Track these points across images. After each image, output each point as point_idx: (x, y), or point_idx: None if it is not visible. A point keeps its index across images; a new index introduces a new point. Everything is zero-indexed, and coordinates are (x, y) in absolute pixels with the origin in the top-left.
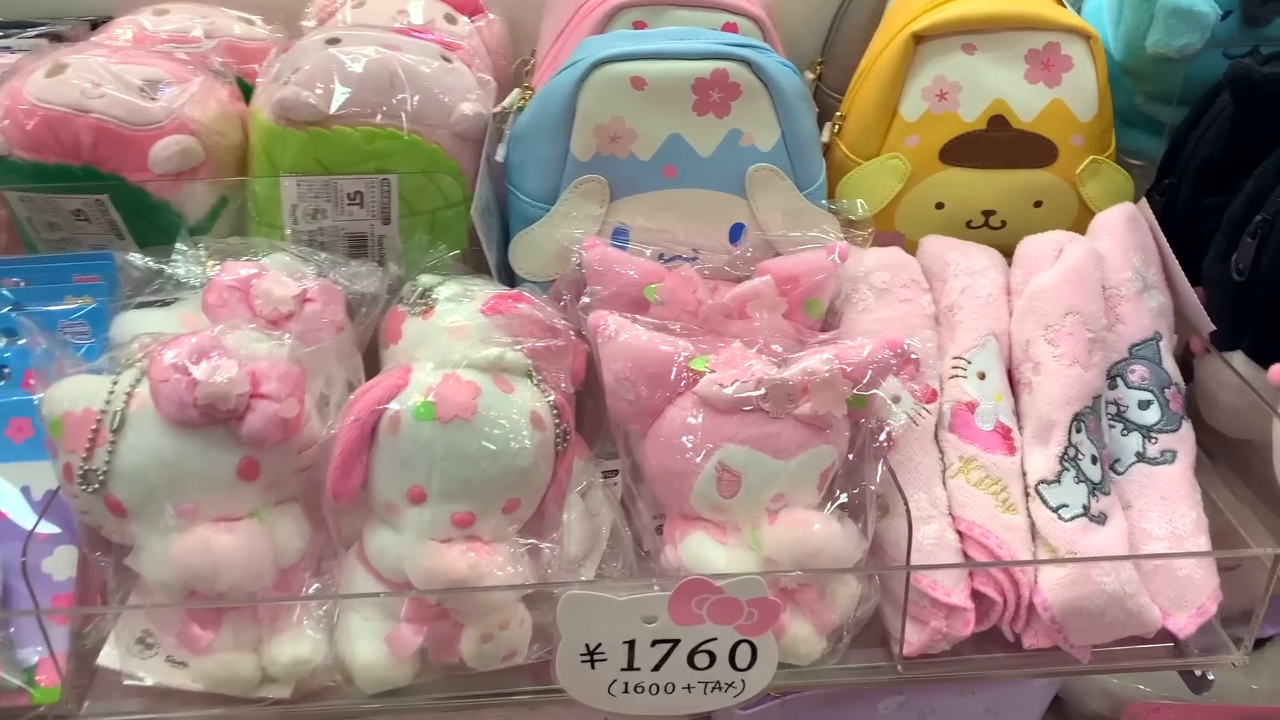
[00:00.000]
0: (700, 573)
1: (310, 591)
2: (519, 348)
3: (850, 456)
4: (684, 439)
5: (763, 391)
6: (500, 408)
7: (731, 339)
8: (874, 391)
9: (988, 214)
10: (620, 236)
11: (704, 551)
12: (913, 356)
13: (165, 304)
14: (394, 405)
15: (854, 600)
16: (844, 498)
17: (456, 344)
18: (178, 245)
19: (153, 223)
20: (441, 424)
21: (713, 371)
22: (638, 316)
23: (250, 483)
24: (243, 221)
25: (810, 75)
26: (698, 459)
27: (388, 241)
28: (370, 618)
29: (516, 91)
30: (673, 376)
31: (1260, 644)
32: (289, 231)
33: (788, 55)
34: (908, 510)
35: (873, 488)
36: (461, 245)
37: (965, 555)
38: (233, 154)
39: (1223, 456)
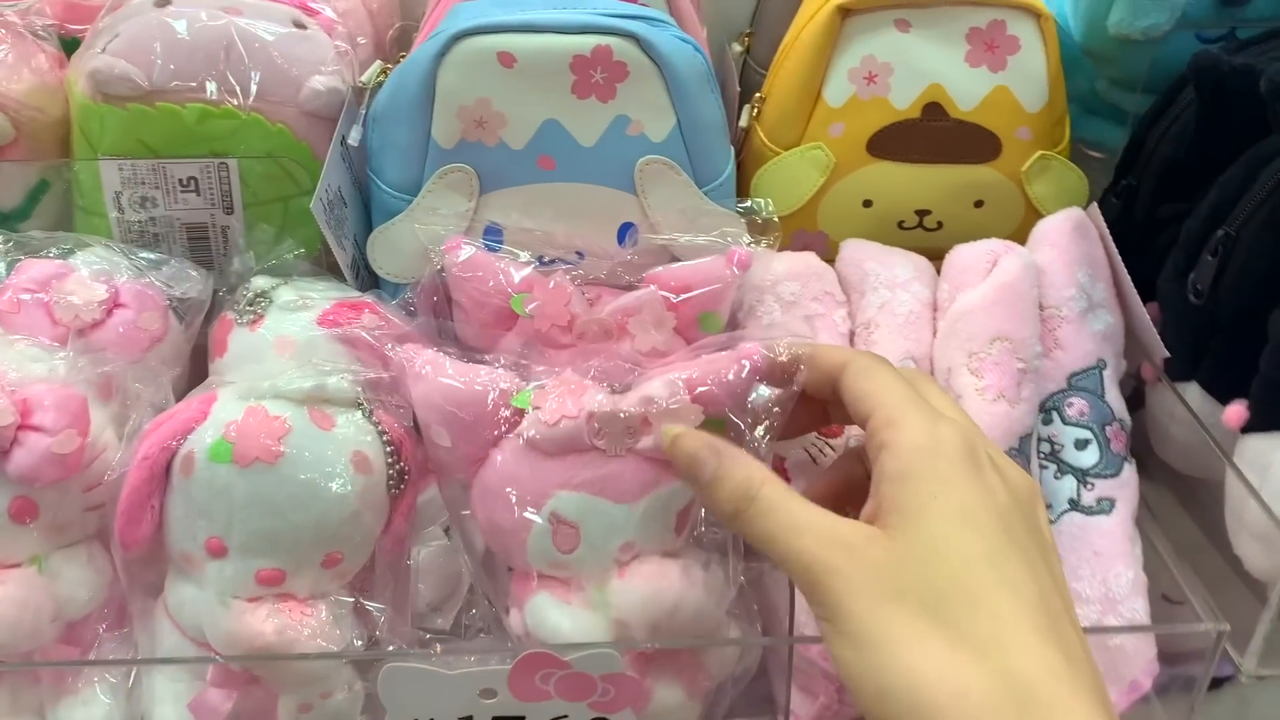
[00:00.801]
0: (544, 641)
1: (102, 650)
2: (345, 375)
3: None
4: (509, 491)
5: (595, 428)
6: (313, 448)
7: (594, 361)
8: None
9: (922, 214)
10: (493, 235)
11: (546, 616)
12: (782, 359)
13: None
14: (188, 443)
15: (732, 656)
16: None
17: (280, 363)
18: None
19: None
20: (240, 467)
21: (536, 409)
22: (448, 351)
23: (25, 525)
24: (67, 208)
25: (738, 48)
26: (527, 512)
27: (232, 233)
28: (176, 678)
29: (377, 64)
30: (492, 418)
31: (1217, 683)
32: (115, 221)
33: (715, 24)
34: None
35: None
36: (320, 238)
37: None
38: (54, 131)
39: (1172, 490)
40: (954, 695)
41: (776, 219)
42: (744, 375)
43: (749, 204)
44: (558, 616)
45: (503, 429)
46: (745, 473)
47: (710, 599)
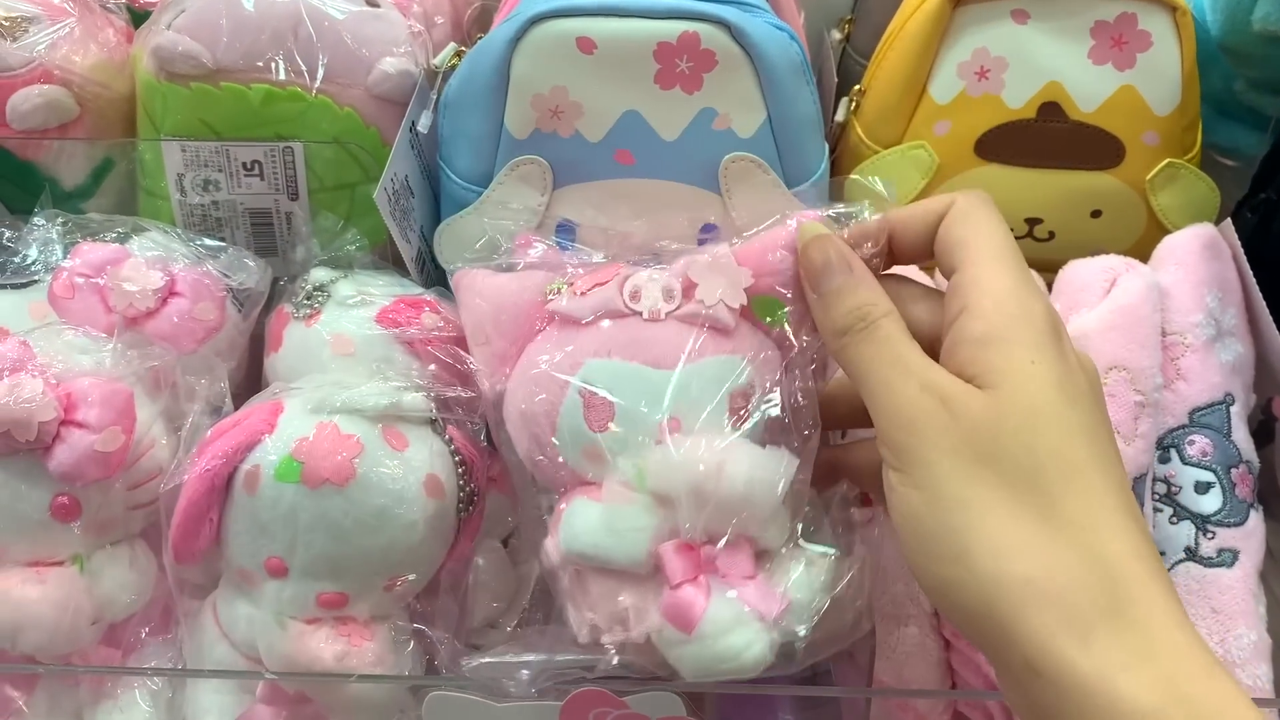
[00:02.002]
0: (575, 545)
1: (144, 654)
2: (421, 389)
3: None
4: (539, 369)
5: (631, 290)
6: (386, 472)
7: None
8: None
9: (1032, 223)
10: (565, 233)
11: (576, 515)
12: (863, 222)
13: (18, 287)
14: (253, 458)
15: (812, 576)
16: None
17: (340, 365)
18: (35, 216)
19: (21, 186)
20: (309, 489)
21: (570, 284)
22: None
23: (69, 523)
24: (132, 188)
25: (837, 35)
26: (556, 386)
27: (296, 220)
28: (221, 690)
29: (451, 46)
30: (529, 305)
31: None
32: (177, 204)
33: (814, 8)
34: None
35: (803, 401)
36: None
37: (951, 670)
38: (120, 108)
39: None
40: (1044, 570)
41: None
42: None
43: (842, 207)
44: (588, 513)
45: (539, 320)
46: (872, 296)
47: (765, 465)
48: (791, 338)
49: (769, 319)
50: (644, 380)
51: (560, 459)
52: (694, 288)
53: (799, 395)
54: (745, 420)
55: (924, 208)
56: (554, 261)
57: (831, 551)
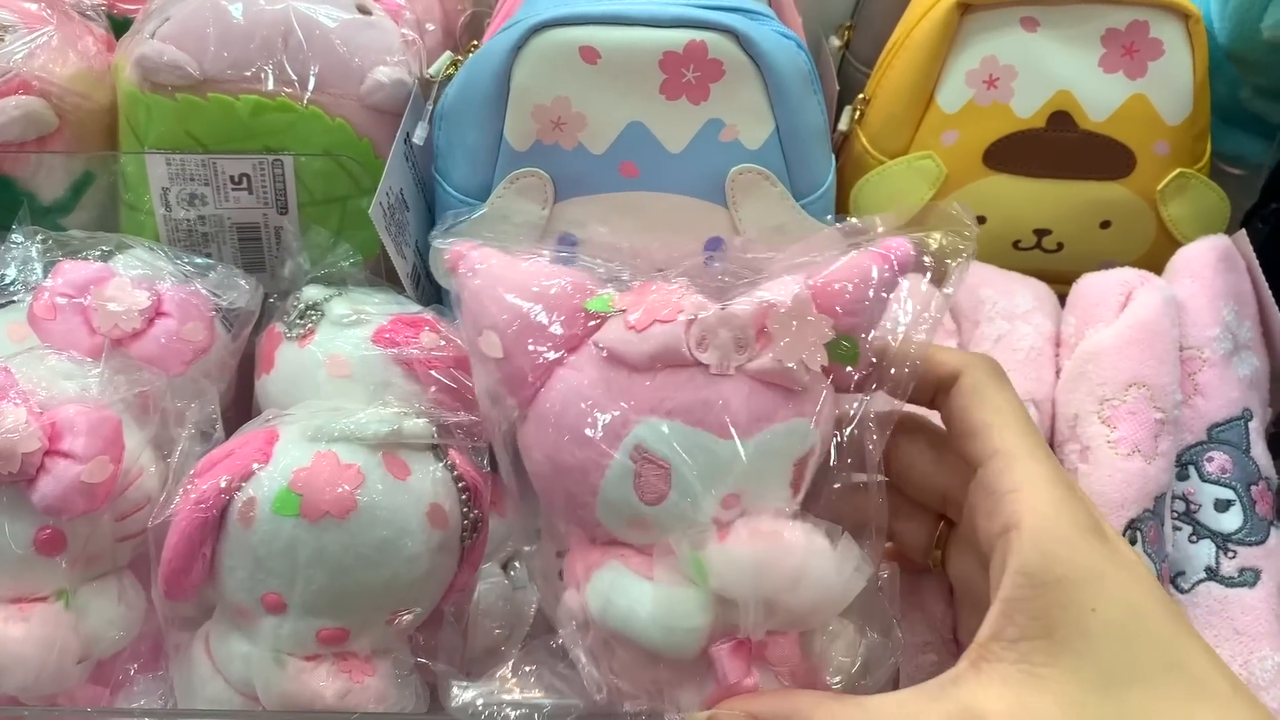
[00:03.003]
0: (615, 629)
1: (133, 692)
2: (422, 413)
3: (837, 441)
4: (580, 414)
5: (699, 335)
6: (388, 503)
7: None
8: (872, 334)
9: (1041, 234)
10: (566, 248)
11: (620, 591)
12: (926, 262)
13: None
14: (248, 489)
15: (853, 655)
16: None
17: (336, 388)
18: (12, 233)
19: None
20: (309, 522)
21: (621, 311)
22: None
23: (53, 557)
24: (113, 203)
25: (837, 42)
26: (603, 445)
27: (286, 235)
28: None
29: (446, 55)
30: (560, 321)
31: None
32: (162, 219)
33: (811, 16)
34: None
35: (877, 480)
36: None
37: None
38: (100, 120)
39: None
40: None
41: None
42: (887, 278)
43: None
44: (635, 592)
45: (574, 337)
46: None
47: (842, 574)
48: (854, 375)
49: (840, 360)
50: (707, 451)
51: (597, 521)
52: (769, 336)
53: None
54: (799, 489)
55: (931, 356)
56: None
57: (861, 637)
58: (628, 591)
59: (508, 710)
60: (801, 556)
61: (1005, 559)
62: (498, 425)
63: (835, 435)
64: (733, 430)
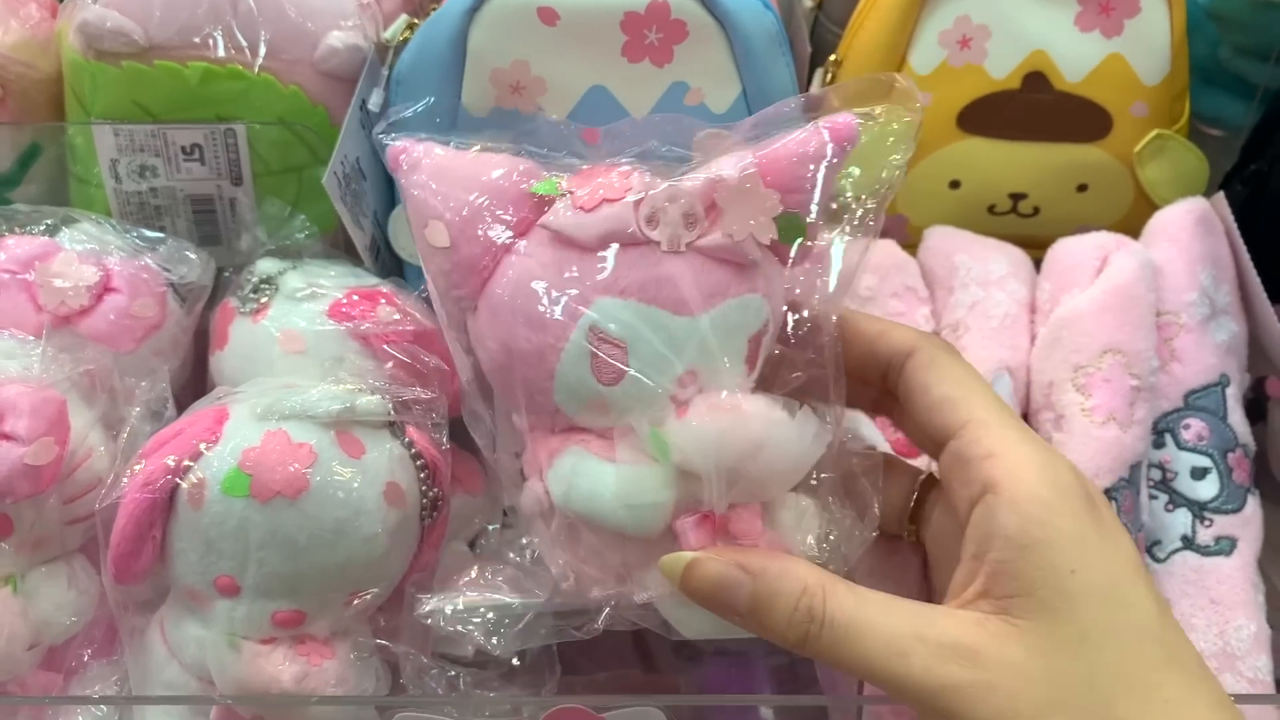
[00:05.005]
0: (580, 507)
1: (87, 677)
2: (376, 391)
3: (790, 316)
4: (532, 298)
5: (648, 213)
6: (342, 482)
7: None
8: (811, 212)
9: (1016, 198)
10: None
11: (582, 474)
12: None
13: None
14: (197, 470)
15: (817, 531)
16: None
17: (290, 364)
18: None
19: None
20: (259, 503)
21: (570, 193)
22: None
23: (1, 542)
24: (62, 176)
25: (809, 3)
26: (558, 328)
27: (241, 207)
28: (172, 713)
29: (403, 19)
30: (508, 205)
31: None
32: (112, 192)
33: None
34: None
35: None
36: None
37: None
38: (46, 90)
39: None
40: None
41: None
42: (831, 154)
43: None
44: (599, 473)
45: (521, 222)
46: (796, 584)
47: (803, 440)
48: (802, 256)
49: (788, 237)
50: (662, 328)
51: (555, 407)
52: (718, 211)
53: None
54: (755, 365)
55: (871, 325)
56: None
57: (826, 512)
58: (590, 473)
59: (476, 613)
60: (761, 425)
61: (983, 523)
62: (452, 320)
63: (790, 313)
64: (686, 306)
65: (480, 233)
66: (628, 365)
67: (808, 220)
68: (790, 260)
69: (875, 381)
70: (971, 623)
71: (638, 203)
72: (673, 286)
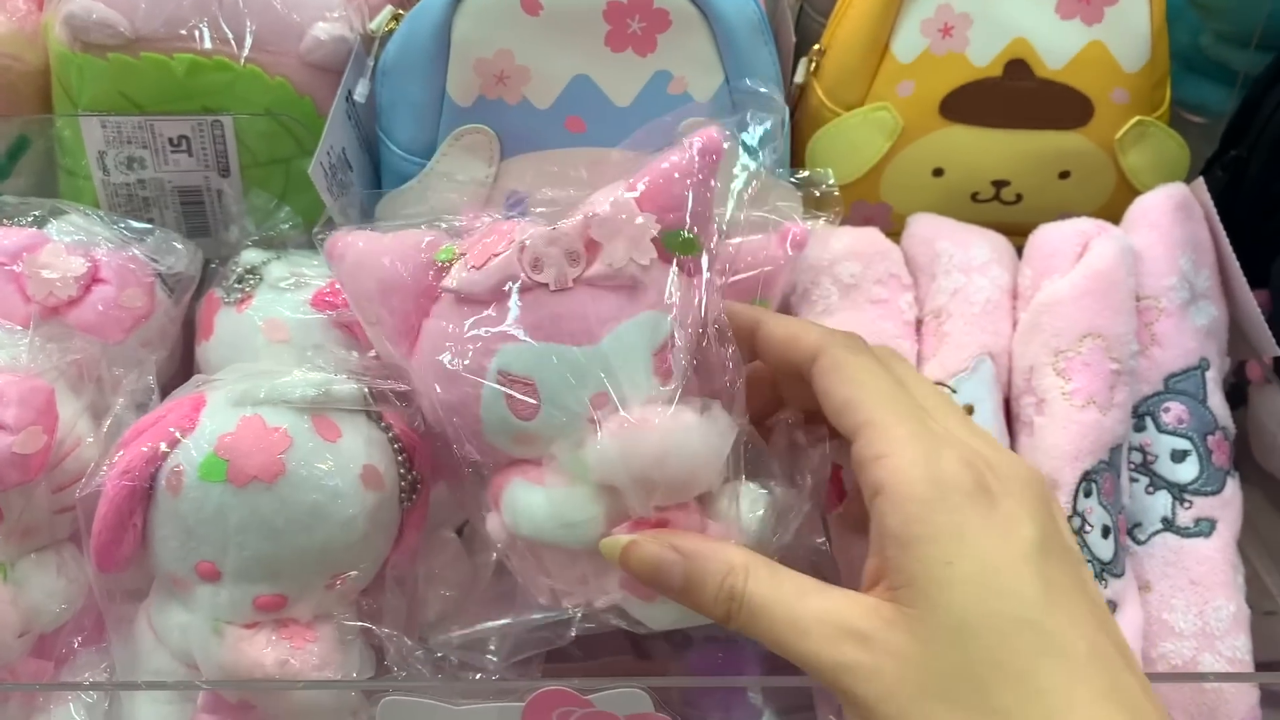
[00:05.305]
0: (527, 532)
1: (77, 665)
2: (353, 377)
3: (705, 311)
4: (447, 356)
5: (531, 258)
6: (319, 466)
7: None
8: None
9: (999, 185)
10: (515, 206)
11: (521, 503)
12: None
13: None
14: (175, 457)
15: (759, 510)
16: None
17: (272, 351)
18: None
19: None
20: (236, 487)
21: (462, 255)
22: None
23: None
24: (51, 168)
25: None
26: (471, 377)
27: (228, 198)
28: (161, 700)
29: (388, 9)
30: (421, 277)
31: None
32: (100, 183)
33: None
34: None
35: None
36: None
37: None
38: (34, 82)
39: (1276, 503)
40: None
41: (837, 192)
42: (700, 169)
43: (805, 173)
44: (531, 499)
45: (431, 291)
46: (723, 565)
47: (706, 443)
48: (705, 264)
49: (680, 252)
50: (565, 360)
51: (490, 444)
52: (596, 245)
53: (718, 323)
54: (670, 375)
55: (784, 330)
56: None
57: (766, 492)
58: (527, 500)
59: (491, 642)
60: (660, 436)
61: (877, 523)
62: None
63: (701, 316)
64: (582, 336)
65: (400, 306)
66: (539, 399)
67: (691, 234)
68: (689, 270)
69: (797, 379)
70: (869, 608)
71: (520, 251)
72: (567, 321)
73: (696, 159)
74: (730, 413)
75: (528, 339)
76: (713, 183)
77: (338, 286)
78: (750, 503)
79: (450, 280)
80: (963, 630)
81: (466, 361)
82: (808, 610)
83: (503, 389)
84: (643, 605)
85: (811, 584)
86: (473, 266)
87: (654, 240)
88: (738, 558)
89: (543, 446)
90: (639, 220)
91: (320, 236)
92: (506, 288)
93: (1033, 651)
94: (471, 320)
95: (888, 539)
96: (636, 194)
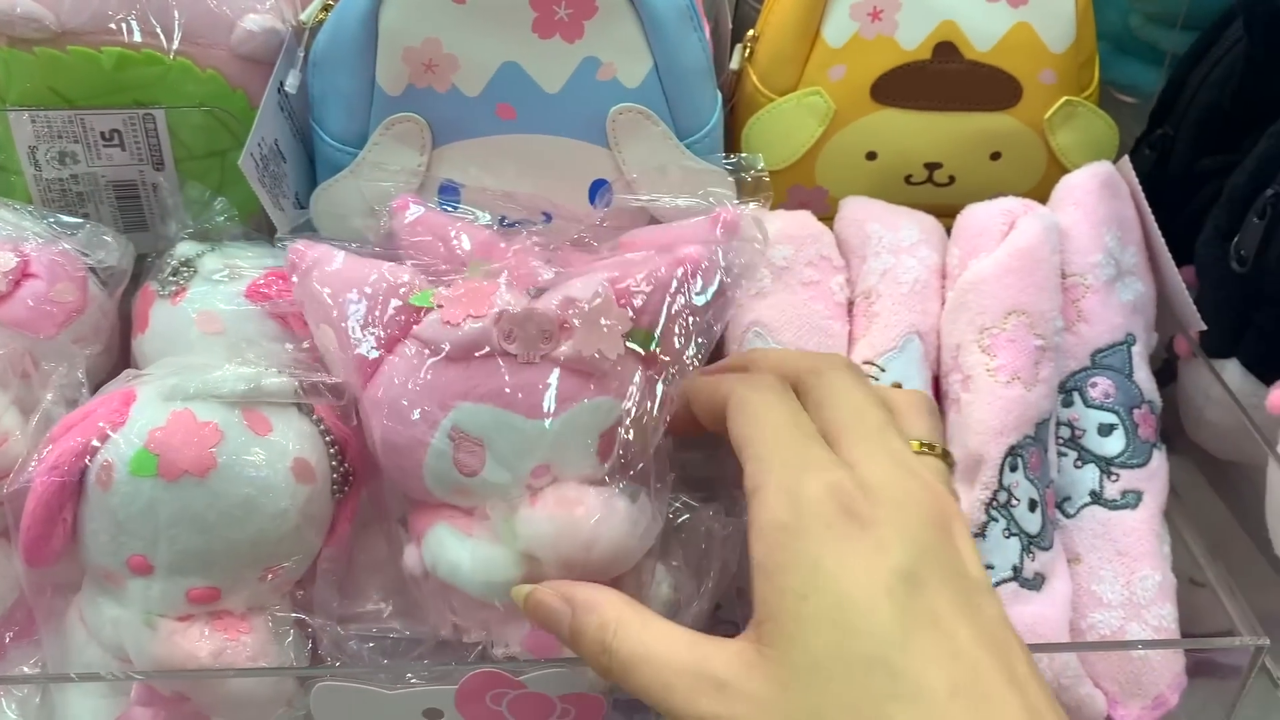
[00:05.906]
0: (445, 576)
1: (8, 661)
2: (284, 372)
3: (654, 414)
4: (404, 400)
5: (506, 329)
6: (249, 459)
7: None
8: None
9: (932, 167)
10: (450, 194)
11: (444, 550)
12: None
13: None
14: (106, 451)
15: (665, 594)
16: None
17: (206, 344)
18: None
19: None
20: (166, 481)
21: (440, 307)
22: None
23: None
24: None
25: None
26: (424, 427)
27: (163, 192)
28: (94, 694)
29: (319, 0)
30: (385, 315)
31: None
32: (32, 179)
33: None
34: None
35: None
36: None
37: None
38: None
39: (1203, 474)
40: None
41: (768, 177)
42: (680, 280)
43: (736, 159)
44: (456, 550)
45: (398, 330)
46: (599, 617)
47: (633, 534)
48: (660, 357)
49: (644, 348)
50: (515, 430)
51: (426, 488)
52: (570, 329)
53: (660, 409)
54: (609, 456)
55: (711, 392)
56: (428, 246)
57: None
58: (452, 548)
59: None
60: (593, 524)
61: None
62: (352, 402)
63: (654, 415)
64: (538, 410)
65: (363, 338)
66: (484, 461)
67: (656, 335)
68: (652, 365)
69: (720, 431)
70: (733, 654)
71: (498, 318)
72: (527, 393)
73: (678, 272)
74: (655, 502)
75: (486, 403)
76: (693, 300)
77: (281, 284)
78: (658, 585)
79: (424, 329)
80: (816, 671)
81: (423, 410)
82: (673, 662)
83: (452, 444)
84: (537, 666)
85: (682, 635)
86: (448, 322)
87: (624, 347)
88: (610, 611)
89: (477, 500)
90: (612, 318)
91: (285, 243)
92: (475, 349)
93: (884, 695)
94: (435, 372)
95: (755, 571)
96: (616, 289)
